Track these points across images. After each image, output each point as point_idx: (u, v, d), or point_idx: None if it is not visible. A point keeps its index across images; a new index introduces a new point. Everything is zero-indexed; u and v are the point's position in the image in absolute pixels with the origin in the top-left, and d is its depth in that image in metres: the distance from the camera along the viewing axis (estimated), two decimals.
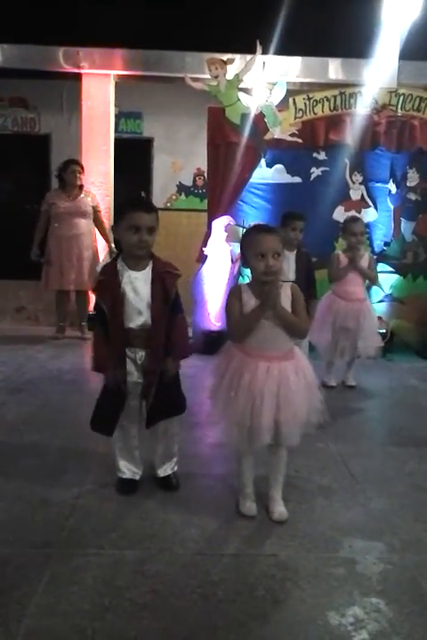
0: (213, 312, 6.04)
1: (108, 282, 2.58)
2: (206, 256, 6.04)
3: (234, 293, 2.57)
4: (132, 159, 8.43)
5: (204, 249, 6.05)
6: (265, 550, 2.29)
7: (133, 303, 2.56)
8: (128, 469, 2.76)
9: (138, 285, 2.57)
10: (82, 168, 6.28)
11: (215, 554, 2.26)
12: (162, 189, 8.87)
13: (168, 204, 8.87)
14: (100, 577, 2.08)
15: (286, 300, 2.51)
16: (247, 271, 6.25)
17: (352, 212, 6.01)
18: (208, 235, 6.04)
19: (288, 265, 4.25)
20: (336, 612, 1.92)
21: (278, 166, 6.15)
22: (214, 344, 5.75)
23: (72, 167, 6.19)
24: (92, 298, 6.38)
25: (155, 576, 2.09)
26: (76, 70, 6.62)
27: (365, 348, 4.58)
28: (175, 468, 2.83)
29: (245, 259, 2.55)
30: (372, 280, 4.86)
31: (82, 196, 6.24)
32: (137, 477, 2.77)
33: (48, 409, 3.98)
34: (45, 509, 2.55)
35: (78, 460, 3.07)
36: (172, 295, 2.59)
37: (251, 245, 2.49)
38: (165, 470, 2.80)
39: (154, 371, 2.58)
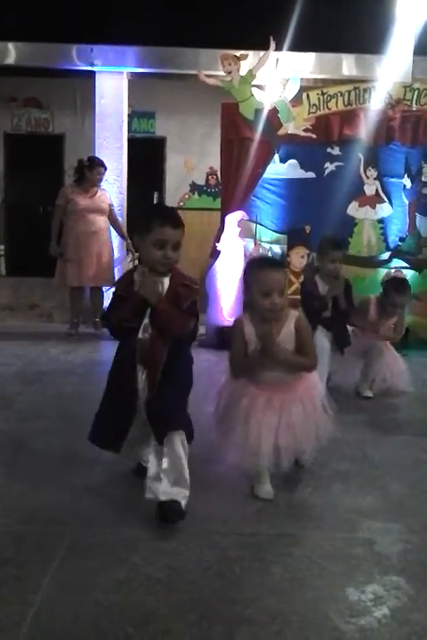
0: (226, 307, 6.01)
1: (124, 294, 2.40)
2: (219, 251, 6.02)
3: (237, 329, 2.53)
4: (145, 159, 8.46)
5: (217, 244, 6.04)
6: (282, 530, 2.26)
7: (145, 311, 2.35)
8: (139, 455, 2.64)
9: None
10: (105, 169, 6.29)
11: (232, 533, 2.23)
12: (175, 189, 8.90)
13: (181, 204, 8.88)
14: (116, 553, 2.05)
15: (289, 335, 2.46)
16: None
17: (397, 273, 5.74)
18: (221, 230, 6.03)
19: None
20: (356, 589, 1.88)
21: (292, 161, 6.14)
22: (228, 339, 5.83)
23: (99, 168, 6.21)
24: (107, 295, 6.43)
25: (171, 553, 2.06)
26: (90, 68, 6.66)
27: (396, 387, 4.27)
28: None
29: (248, 291, 2.49)
30: (392, 341, 4.47)
31: (99, 193, 6.26)
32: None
33: (60, 399, 3.98)
34: (58, 491, 2.53)
35: (91, 446, 3.04)
36: (183, 308, 2.35)
37: (256, 281, 2.43)
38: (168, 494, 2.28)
39: (153, 384, 2.34)
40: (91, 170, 6.15)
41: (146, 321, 2.35)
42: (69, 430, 3.29)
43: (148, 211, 2.58)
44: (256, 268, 2.48)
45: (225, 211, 6.03)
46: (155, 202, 8.69)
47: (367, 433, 3.43)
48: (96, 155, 6.63)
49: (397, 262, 6.18)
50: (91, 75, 6.86)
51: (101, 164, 6.25)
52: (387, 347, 4.34)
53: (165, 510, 2.22)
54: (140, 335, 2.36)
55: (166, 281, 2.38)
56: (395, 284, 4.41)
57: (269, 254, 6.10)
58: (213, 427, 2.60)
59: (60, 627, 1.67)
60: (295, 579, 1.94)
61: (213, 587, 1.88)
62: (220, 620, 1.71)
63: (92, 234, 6.15)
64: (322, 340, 3.78)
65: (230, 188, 5.99)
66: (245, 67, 6.03)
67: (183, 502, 2.26)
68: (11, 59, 6.55)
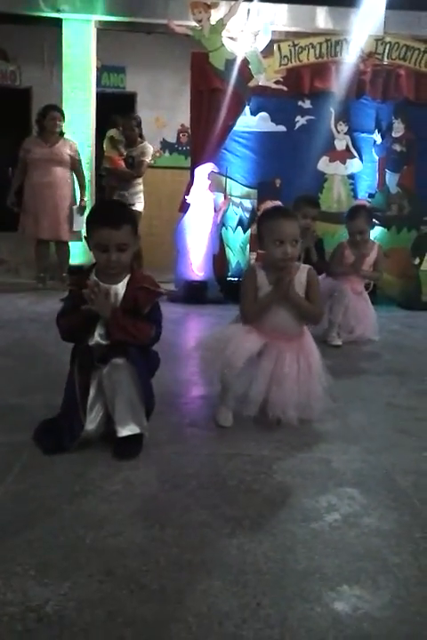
0: (195, 262, 5.98)
1: (78, 293, 2.18)
2: (189, 205, 5.97)
3: (250, 276, 2.56)
4: (116, 114, 8.27)
5: (186, 197, 5.98)
6: (239, 451, 2.27)
7: (98, 319, 2.20)
8: None
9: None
10: (62, 114, 6.15)
11: (190, 453, 2.23)
12: None
13: (152, 161, 8.74)
14: (71, 469, 2.04)
15: (300, 285, 2.50)
16: (231, 219, 6.21)
17: (360, 200, 5.51)
18: (191, 183, 5.97)
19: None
20: (310, 499, 1.91)
21: (263, 114, 6.08)
22: (196, 293, 5.82)
23: (52, 113, 6.05)
24: (72, 249, 6.34)
25: (127, 469, 2.06)
26: (56, 15, 6.46)
27: (362, 335, 4.28)
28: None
29: (262, 241, 2.52)
30: (376, 281, 4.61)
31: (60, 143, 6.11)
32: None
33: (24, 342, 3.93)
34: (17, 419, 2.50)
35: (52, 381, 2.99)
36: (143, 312, 2.21)
37: (270, 230, 2.46)
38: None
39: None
40: (44, 116, 6.01)
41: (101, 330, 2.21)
42: (32, 368, 3.27)
43: (91, 211, 2.47)
44: (270, 218, 2.49)
45: (195, 163, 5.96)
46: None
47: (330, 374, 3.45)
48: (63, 107, 6.47)
49: None
50: (58, 24, 6.66)
51: (55, 109, 6.09)
52: (358, 293, 4.33)
53: (122, 444, 2.15)
54: (96, 339, 2.21)
55: (122, 286, 2.22)
56: (350, 211, 4.49)
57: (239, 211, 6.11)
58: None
59: (10, 530, 1.65)
60: (250, 490, 1.95)
61: (169, 497, 1.89)
62: (172, 523, 1.72)
63: (48, 184, 6.00)
64: None
65: (200, 139, 5.92)
66: (215, 16, 5.93)
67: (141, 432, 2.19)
68: None
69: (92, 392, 2.22)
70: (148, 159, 6.65)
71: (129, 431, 2.15)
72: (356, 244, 4.34)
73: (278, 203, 2.60)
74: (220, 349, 2.44)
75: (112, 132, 6.61)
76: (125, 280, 2.24)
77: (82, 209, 6.16)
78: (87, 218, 2.31)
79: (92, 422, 2.21)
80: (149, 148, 6.72)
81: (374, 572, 1.53)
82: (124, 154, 6.60)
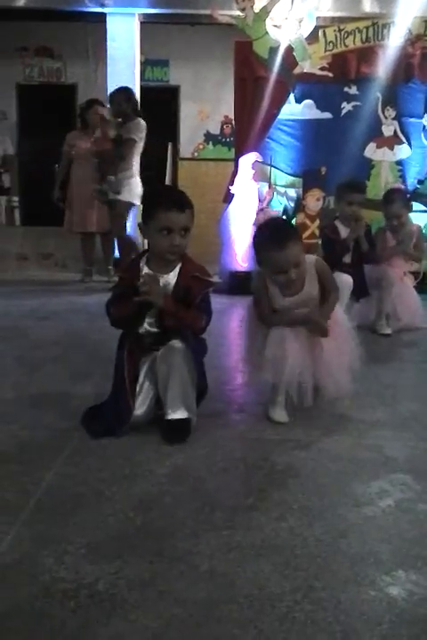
0: (239, 252, 5.95)
1: (129, 282, 2.22)
2: (233, 195, 5.94)
3: (261, 283, 2.40)
4: (159, 108, 8.32)
5: (230, 187, 5.95)
6: (288, 437, 2.24)
7: (149, 308, 2.20)
8: None
9: None
10: (105, 107, 6.19)
11: (237, 438, 2.22)
12: (189, 138, 8.79)
13: (195, 154, 8.78)
14: (121, 453, 2.05)
15: (313, 281, 2.37)
16: (276, 209, 6.10)
17: (394, 184, 5.38)
18: (235, 173, 5.93)
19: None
20: (361, 484, 1.86)
21: (308, 102, 5.98)
22: (241, 284, 5.79)
23: (95, 107, 6.10)
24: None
25: (176, 452, 2.06)
26: (100, 9, 6.52)
27: (410, 322, 4.18)
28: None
29: (263, 267, 2.38)
30: (418, 260, 4.43)
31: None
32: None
33: (72, 331, 4.00)
34: (67, 405, 2.53)
35: (100, 368, 3.03)
36: (195, 302, 2.21)
37: (269, 263, 2.30)
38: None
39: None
40: (87, 110, 6.05)
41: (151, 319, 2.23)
42: (80, 357, 3.32)
43: (151, 195, 2.45)
44: (265, 249, 2.29)
45: (239, 153, 5.92)
46: (169, 155, 8.56)
47: (380, 361, 3.38)
48: (108, 103, 6.52)
49: (415, 205, 6.03)
50: (102, 19, 6.73)
51: (98, 103, 6.11)
52: (402, 281, 4.25)
53: (172, 428, 2.15)
54: (146, 327, 2.24)
55: (173, 275, 2.22)
56: (385, 196, 4.38)
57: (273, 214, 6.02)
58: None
59: (62, 511, 1.67)
60: (299, 475, 1.92)
61: (217, 481, 1.88)
62: (221, 507, 1.70)
63: (92, 178, 6.05)
64: (342, 275, 3.67)
65: (244, 129, 5.87)
66: (259, 3, 5.86)
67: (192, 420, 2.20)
68: (20, 1, 6.44)
69: (141, 378, 2.24)
70: (135, 137, 5.65)
71: (179, 415, 2.15)
72: (394, 229, 4.23)
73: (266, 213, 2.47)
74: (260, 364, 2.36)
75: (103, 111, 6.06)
76: (177, 269, 2.23)
77: None
78: (147, 202, 2.31)
79: (140, 407, 2.23)
80: (139, 125, 5.69)
81: None
82: (114, 134, 5.83)
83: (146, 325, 2.24)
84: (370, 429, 2.33)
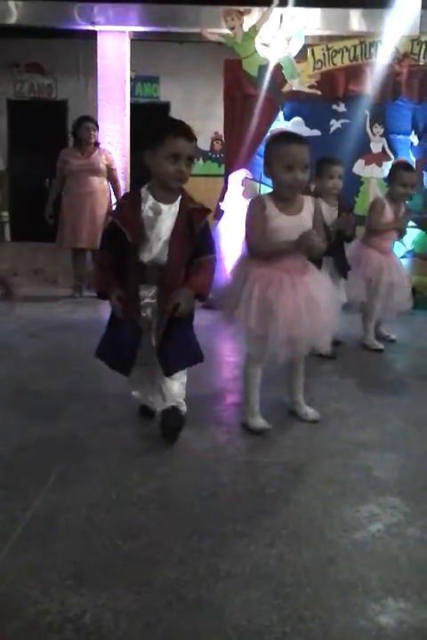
0: (230, 268, 5.95)
1: (129, 207, 2.33)
2: (223, 211, 5.95)
3: (257, 206, 2.43)
4: (149, 124, 8.34)
5: (220, 204, 5.96)
6: (277, 459, 2.23)
7: (152, 236, 2.31)
8: (152, 404, 2.51)
9: (161, 218, 2.31)
10: (96, 125, 6.20)
11: (226, 460, 2.21)
12: None
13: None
14: (109, 477, 2.04)
15: (308, 214, 2.42)
16: None
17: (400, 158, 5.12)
18: (225, 189, 5.95)
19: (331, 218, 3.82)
20: (351, 508, 1.86)
21: (297, 119, 6.00)
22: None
23: (86, 124, 6.11)
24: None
25: (164, 477, 2.04)
26: (91, 27, 6.54)
27: (400, 304, 4.12)
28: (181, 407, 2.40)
29: (269, 167, 2.43)
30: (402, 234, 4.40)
31: (96, 153, 6.18)
32: (154, 408, 2.53)
33: (61, 349, 3.96)
34: (55, 425, 2.51)
35: (90, 388, 3.03)
36: (197, 232, 2.32)
37: (278, 156, 2.34)
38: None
39: (165, 311, 2.31)
40: (79, 127, 6.07)
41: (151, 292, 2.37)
42: (69, 375, 3.29)
43: (161, 123, 2.53)
44: (280, 142, 2.36)
45: (228, 170, 5.93)
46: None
47: (368, 378, 3.39)
48: (98, 118, 6.55)
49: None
50: (93, 36, 6.75)
51: (89, 120, 6.13)
52: (388, 253, 4.18)
53: (168, 417, 2.28)
54: (147, 300, 2.38)
55: (176, 205, 2.33)
56: (400, 165, 4.25)
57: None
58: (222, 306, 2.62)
59: (48, 538, 1.65)
60: (289, 499, 1.91)
61: (206, 506, 1.86)
62: (211, 534, 1.69)
63: (85, 194, 6.04)
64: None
65: (234, 146, 5.89)
66: (248, 22, 5.92)
67: (183, 410, 2.34)
68: (11, 18, 6.45)
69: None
70: None
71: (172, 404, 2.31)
72: (399, 198, 4.11)
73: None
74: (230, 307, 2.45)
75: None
76: (178, 201, 2.34)
77: None
78: (156, 129, 2.36)
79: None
80: None
81: (420, 585, 1.47)
82: None
83: (147, 299, 2.36)
84: (359, 450, 2.33)
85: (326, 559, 1.58)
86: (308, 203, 2.45)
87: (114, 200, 6.32)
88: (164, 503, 1.87)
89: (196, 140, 2.34)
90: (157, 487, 1.97)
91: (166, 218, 2.31)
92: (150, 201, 2.32)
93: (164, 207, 2.32)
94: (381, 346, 4.09)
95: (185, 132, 2.29)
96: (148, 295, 2.37)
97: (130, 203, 2.37)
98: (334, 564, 1.55)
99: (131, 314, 2.32)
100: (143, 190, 2.35)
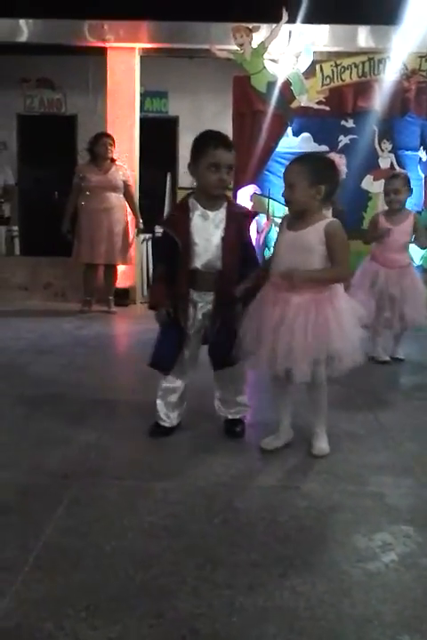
0: None
1: (179, 218, 2.51)
2: None
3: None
4: (158, 138, 8.39)
5: None
6: (289, 483, 2.22)
7: (202, 243, 2.46)
8: (167, 417, 2.64)
9: (209, 226, 2.47)
10: (113, 141, 6.24)
11: (239, 485, 2.20)
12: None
13: (194, 184, 8.81)
14: (121, 503, 2.04)
15: (316, 235, 2.34)
16: (274, 240, 6.16)
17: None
18: None
19: None
20: (364, 537, 1.85)
21: (305, 135, 6.06)
22: None
23: (103, 140, 6.17)
24: (121, 271, 6.41)
25: (176, 503, 2.04)
26: (102, 44, 6.59)
27: (412, 319, 4.07)
28: (243, 416, 2.73)
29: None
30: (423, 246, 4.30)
31: (113, 169, 6.21)
32: (173, 425, 2.66)
33: (71, 368, 3.97)
34: (66, 448, 2.51)
35: (101, 408, 3.04)
36: (246, 238, 2.56)
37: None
38: (232, 414, 2.71)
39: (220, 314, 2.50)
40: (96, 143, 6.13)
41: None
42: (79, 396, 3.29)
43: (201, 136, 2.61)
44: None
45: (237, 185, 5.95)
46: (168, 185, 8.61)
47: (379, 398, 3.37)
48: (108, 131, 6.58)
49: None
50: (102, 52, 6.80)
51: (106, 135, 6.20)
52: (402, 267, 4.10)
53: (232, 425, 2.66)
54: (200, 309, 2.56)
55: (222, 212, 2.48)
56: (390, 175, 4.43)
57: None
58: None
59: (61, 568, 1.65)
60: (302, 527, 1.90)
61: (219, 534, 1.85)
62: (224, 564, 1.69)
63: (103, 210, 6.10)
64: None
65: (242, 161, 5.89)
66: (257, 39, 5.96)
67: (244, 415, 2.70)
68: (22, 36, 6.51)
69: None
70: None
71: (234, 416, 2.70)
72: (391, 208, 4.09)
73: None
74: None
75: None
76: (223, 208, 2.50)
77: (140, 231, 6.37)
78: (197, 142, 2.50)
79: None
80: None
81: None
82: None
83: (201, 304, 2.54)
84: (371, 475, 2.31)
85: (340, 591, 1.56)
86: (319, 225, 2.35)
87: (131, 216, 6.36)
88: (176, 531, 1.86)
89: (234, 149, 2.48)
90: (169, 513, 1.96)
91: (215, 224, 2.48)
92: (198, 209, 2.48)
93: (211, 214, 2.48)
94: (387, 358, 4.15)
95: (224, 142, 2.45)
96: (204, 300, 2.53)
97: (179, 212, 2.55)
98: (348, 597, 1.54)
99: (178, 317, 2.51)
100: (190, 200, 2.51)
